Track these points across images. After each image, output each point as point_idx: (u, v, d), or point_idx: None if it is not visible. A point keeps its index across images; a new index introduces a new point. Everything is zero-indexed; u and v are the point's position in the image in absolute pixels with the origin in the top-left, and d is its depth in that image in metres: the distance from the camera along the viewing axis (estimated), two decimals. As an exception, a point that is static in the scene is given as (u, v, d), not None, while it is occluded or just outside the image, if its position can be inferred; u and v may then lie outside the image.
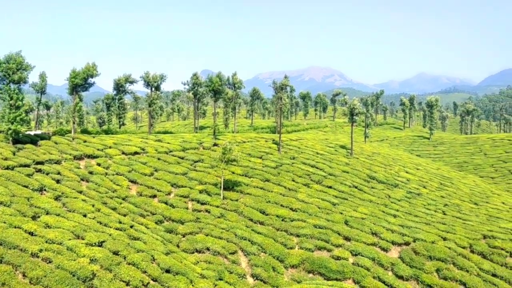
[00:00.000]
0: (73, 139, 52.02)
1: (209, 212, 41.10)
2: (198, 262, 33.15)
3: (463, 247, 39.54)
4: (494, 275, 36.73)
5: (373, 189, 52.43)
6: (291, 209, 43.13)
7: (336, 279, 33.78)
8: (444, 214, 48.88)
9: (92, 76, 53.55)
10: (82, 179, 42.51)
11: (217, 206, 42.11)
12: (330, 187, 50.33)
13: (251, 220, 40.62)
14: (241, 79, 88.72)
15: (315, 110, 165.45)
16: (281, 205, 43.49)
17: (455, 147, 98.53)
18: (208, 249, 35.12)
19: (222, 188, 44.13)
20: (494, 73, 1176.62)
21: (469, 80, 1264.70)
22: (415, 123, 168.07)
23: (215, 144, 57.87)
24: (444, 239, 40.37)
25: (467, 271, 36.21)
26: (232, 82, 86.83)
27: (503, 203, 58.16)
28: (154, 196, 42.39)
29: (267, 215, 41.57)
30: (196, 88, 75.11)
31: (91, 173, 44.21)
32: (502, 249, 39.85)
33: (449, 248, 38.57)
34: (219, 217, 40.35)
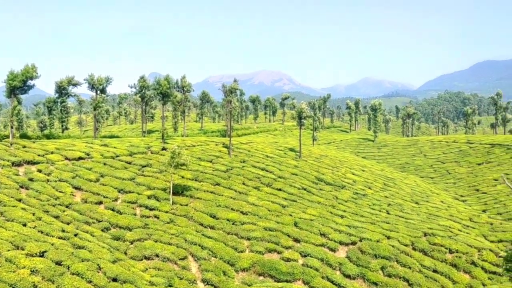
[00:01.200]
0: (11, 144, 49.26)
1: (158, 217, 40.30)
2: (147, 269, 32.38)
3: (406, 245, 41.33)
4: (435, 271, 38.67)
5: (321, 190, 53.63)
6: (241, 212, 43.19)
7: (286, 281, 34.19)
8: (388, 213, 50.86)
9: (31, 78, 51.05)
10: (21, 187, 40.31)
11: (167, 212, 41.39)
12: (280, 189, 50.94)
13: (202, 224, 40.27)
14: (190, 82, 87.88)
15: (265, 113, 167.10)
16: (232, 209, 43.45)
17: (397, 149, 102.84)
18: (157, 255, 34.40)
19: (171, 193, 43.44)
20: (432, 78, 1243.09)
21: (410, 85, 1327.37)
22: (361, 126, 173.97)
23: (163, 148, 56.90)
24: (388, 237, 42.01)
25: (410, 268, 37.88)
26: (181, 85, 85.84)
27: (441, 201, 61.40)
28: (100, 203, 40.97)
29: (217, 219, 41.38)
30: (143, 91, 73.59)
31: (31, 180, 42.02)
32: (441, 245, 42.06)
33: (393, 246, 40.18)
34: (168, 223, 39.67)
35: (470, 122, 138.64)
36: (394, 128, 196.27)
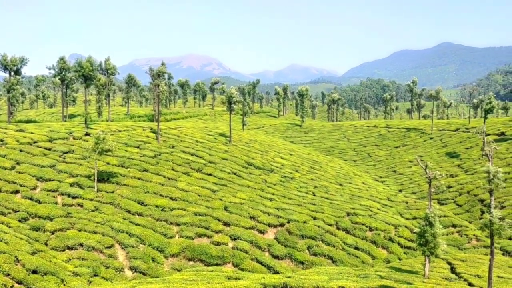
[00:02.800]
0: None
1: (81, 206, 38.58)
2: (70, 259, 31.02)
3: (330, 225, 43.37)
4: (356, 248, 41.05)
5: (251, 174, 54.39)
6: (171, 198, 42.64)
7: (217, 264, 34.50)
8: (314, 195, 52.89)
9: None
10: None
11: (91, 200, 39.74)
12: (210, 174, 50.89)
13: (129, 211, 39.21)
14: (115, 65, 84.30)
15: (194, 98, 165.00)
16: (161, 195, 42.73)
17: (323, 133, 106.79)
18: (81, 245, 33.04)
19: (96, 180, 41.70)
20: (355, 65, 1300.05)
21: (334, 72, 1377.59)
22: (289, 112, 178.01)
23: (87, 134, 54.27)
24: (314, 218, 43.78)
25: (334, 246, 39.87)
26: (105, 68, 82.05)
27: (363, 183, 64.99)
28: (17, 192, 38.32)
29: (146, 205, 40.52)
30: (63, 73, 69.30)
31: None
32: (362, 224, 44.66)
33: (319, 226, 41.98)
34: (93, 211, 38.16)
35: (389, 108, 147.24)
36: (320, 114, 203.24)
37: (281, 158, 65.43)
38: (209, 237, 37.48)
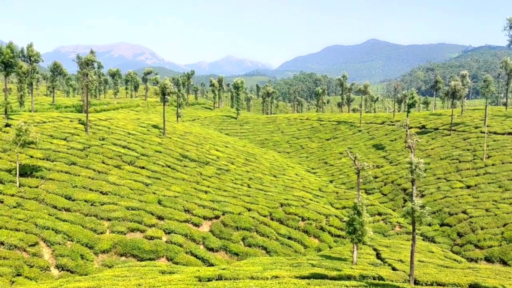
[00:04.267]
0: None
1: (2, 202, 36.02)
2: (-11, 260, 28.87)
3: (265, 216, 44.09)
4: (289, 237, 42.12)
5: (186, 167, 53.76)
6: (101, 192, 41.04)
7: (150, 259, 33.82)
8: (249, 187, 53.44)
9: None
10: None
11: (12, 195, 37.21)
12: (143, 167, 49.59)
13: (55, 207, 37.21)
14: (39, 52, 79.05)
15: (126, 88, 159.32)
16: (90, 189, 40.99)
17: (258, 126, 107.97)
18: (2, 243, 30.88)
19: (18, 174, 39.05)
20: (289, 59, 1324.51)
21: (269, 65, 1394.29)
22: (224, 104, 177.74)
23: (7, 125, 50.57)
24: (249, 210, 44.28)
25: (268, 236, 40.62)
26: (28, 55, 76.67)
27: (296, 174, 66.69)
28: None
29: (74, 200, 38.67)
30: (-20, 59, 63.72)
31: None
32: (295, 214, 45.88)
33: (253, 217, 42.52)
34: (15, 207, 35.77)
35: (321, 101, 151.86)
36: (255, 106, 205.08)
37: (217, 150, 65.29)
38: (142, 231, 36.61)
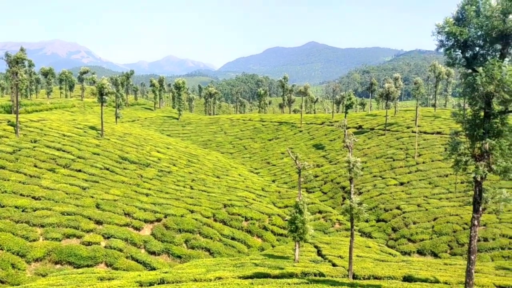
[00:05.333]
0: None
1: None
2: None
3: (208, 217, 43.82)
4: (233, 238, 42.16)
5: (126, 169, 52.19)
6: (33, 197, 38.79)
7: (88, 266, 32.47)
8: (192, 188, 52.87)
9: None
10: None
11: None
12: (80, 170, 47.51)
13: (-18, 215, 34.65)
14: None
15: (60, 88, 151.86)
16: (21, 195, 38.60)
17: (200, 126, 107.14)
18: None
19: None
20: (231, 60, 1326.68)
21: (211, 65, 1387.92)
22: (165, 104, 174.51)
23: None
24: (192, 211, 43.80)
25: (211, 238, 40.41)
26: (-51, 50, 70.88)
27: (239, 175, 66.91)
28: None
29: (3, 207, 36.23)
30: None
31: None
32: (239, 214, 46.01)
33: (196, 219, 42.11)
34: None
35: (263, 102, 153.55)
36: (198, 107, 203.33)
37: (158, 152, 63.97)
38: (79, 237, 35.05)
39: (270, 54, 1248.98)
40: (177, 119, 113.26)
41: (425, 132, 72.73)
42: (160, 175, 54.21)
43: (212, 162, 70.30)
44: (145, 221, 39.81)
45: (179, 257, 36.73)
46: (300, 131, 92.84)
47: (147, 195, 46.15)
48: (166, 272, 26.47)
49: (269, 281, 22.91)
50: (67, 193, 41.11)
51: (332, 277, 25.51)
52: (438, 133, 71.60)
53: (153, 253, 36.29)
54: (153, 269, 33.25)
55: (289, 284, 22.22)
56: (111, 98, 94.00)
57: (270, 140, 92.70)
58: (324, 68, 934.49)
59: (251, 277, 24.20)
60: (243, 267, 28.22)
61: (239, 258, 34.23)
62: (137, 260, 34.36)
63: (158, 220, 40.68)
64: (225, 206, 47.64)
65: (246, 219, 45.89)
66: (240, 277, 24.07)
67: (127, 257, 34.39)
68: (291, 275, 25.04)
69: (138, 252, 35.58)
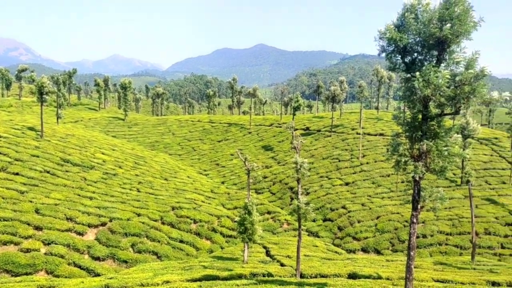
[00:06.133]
0: None
1: None
2: None
3: (155, 220, 42.95)
4: (181, 241, 41.58)
5: (68, 172, 50.04)
6: (-35, 203, 36.24)
7: (27, 274, 30.78)
8: (139, 191, 51.61)
9: None
10: None
11: None
12: (17, 173, 44.95)
13: None
14: None
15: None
16: (-49, 200, 35.96)
17: (148, 127, 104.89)
18: None
19: None
20: (180, 60, 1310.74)
21: (159, 65, 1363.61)
22: (111, 104, 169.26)
23: None
24: (139, 215, 42.74)
25: (159, 241, 39.63)
26: None
27: (188, 176, 66.16)
28: None
29: None
30: None
31: None
32: (187, 217, 45.46)
33: (143, 223, 41.14)
34: None
35: (212, 103, 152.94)
36: (145, 107, 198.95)
37: (103, 153, 61.88)
38: (16, 244, 33.14)
39: (219, 55, 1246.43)
40: (123, 120, 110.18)
41: (368, 134, 75.46)
42: (105, 178, 52.46)
43: (159, 164, 69.02)
44: (89, 225, 38.35)
45: (125, 261, 35.71)
46: (249, 133, 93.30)
47: (91, 198, 44.50)
48: (111, 278, 25.64)
49: (217, 283, 22.82)
50: (3, 198, 38.76)
51: (280, 277, 25.83)
52: (381, 134, 74.55)
53: (97, 258, 35.03)
54: (98, 275, 32.09)
55: (237, 285, 22.25)
56: (52, 97, 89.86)
57: (219, 141, 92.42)
58: (272, 70, 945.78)
59: (199, 279, 23.99)
60: (191, 270, 27.91)
61: (188, 261, 33.83)
62: (80, 267, 33.02)
63: (103, 224, 39.34)
64: (173, 208, 46.91)
65: (195, 222, 45.44)
66: (188, 280, 23.79)
67: (69, 264, 32.97)
68: (240, 276, 25.08)
69: (81, 258, 34.21)
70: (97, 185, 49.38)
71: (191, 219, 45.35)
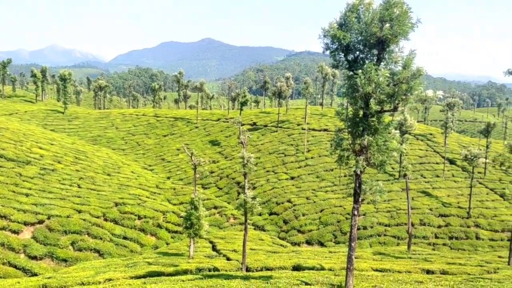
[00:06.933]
0: None
1: None
2: None
3: (98, 217, 41.57)
4: (125, 237, 40.57)
5: (2, 168, 47.16)
6: None
7: (-45, 277, 28.78)
8: (80, 187, 49.67)
9: None
10: None
11: None
12: None
13: None
14: None
15: None
16: None
17: (89, 121, 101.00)
18: None
19: None
20: (124, 52, 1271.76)
21: (101, 57, 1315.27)
22: (49, 97, 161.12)
23: None
24: (79, 211, 41.16)
25: (101, 238, 38.42)
26: None
27: (132, 172, 64.52)
28: None
29: None
30: None
31: None
32: (131, 213, 44.39)
33: (84, 219, 39.68)
34: None
35: (157, 97, 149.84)
36: (86, 100, 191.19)
37: (40, 148, 58.88)
38: None
39: (165, 48, 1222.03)
40: (63, 113, 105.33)
41: (313, 129, 77.27)
42: (42, 174, 49.98)
43: (102, 159, 66.76)
44: (25, 223, 36.43)
45: (65, 260, 34.31)
46: (196, 127, 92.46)
47: (27, 195, 42.23)
48: (49, 278, 24.55)
49: (162, 279, 22.52)
50: None
51: (227, 271, 25.93)
52: (325, 130, 76.60)
53: (34, 257, 33.39)
54: (35, 275, 30.61)
55: (183, 281, 22.08)
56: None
57: (165, 136, 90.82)
58: (219, 65, 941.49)
59: (144, 276, 23.55)
60: (135, 266, 27.33)
61: (132, 258, 33.09)
62: (15, 266, 31.34)
63: (41, 222, 37.51)
64: (116, 204, 45.61)
65: (140, 218, 44.47)
66: (132, 277, 23.28)
67: (3, 264, 31.18)
68: (185, 272, 24.90)
69: (17, 257, 32.47)
70: (33, 181, 46.95)
71: (135, 215, 44.33)
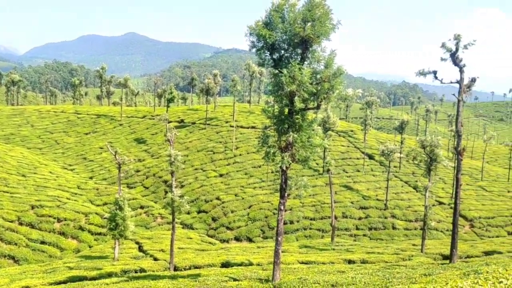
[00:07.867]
0: None
1: None
2: None
3: (11, 221, 38.74)
4: (43, 242, 38.19)
5: None
6: None
7: None
8: (-10, 190, 45.88)
9: None
10: None
11: None
12: None
13: None
14: None
15: None
16: None
17: (1, 119, 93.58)
18: None
19: None
20: (40, 45, 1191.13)
21: (14, 49, 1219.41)
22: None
23: None
24: (-9, 216, 38.07)
25: (16, 244, 35.90)
26: None
27: (50, 172, 60.77)
28: None
29: None
30: None
31: None
32: (50, 216, 41.87)
33: (-4, 224, 36.78)
34: None
35: (78, 93, 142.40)
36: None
37: None
38: None
39: (85, 41, 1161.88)
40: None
41: (241, 127, 77.88)
42: None
43: (16, 159, 62.13)
44: None
45: (-27, 270, 31.55)
46: (121, 125, 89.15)
47: None
48: (-45, 290, 22.46)
49: (85, 284, 21.52)
50: None
51: (154, 271, 25.39)
52: (253, 127, 77.54)
53: None
54: None
55: (107, 284, 21.27)
56: None
57: (86, 134, 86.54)
58: (144, 60, 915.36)
59: (64, 282, 22.35)
60: (55, 272, 25.85)
61: (51, 263, 31.23)
62: None
63: None
64: (32, 207, 42.74)
65: (59, 220, 42.06)
66: (51, 284, 22.00)
67: None
68: (110, 275, 24.01)
69: None
70: None
71: (54, 218, 41.87)
